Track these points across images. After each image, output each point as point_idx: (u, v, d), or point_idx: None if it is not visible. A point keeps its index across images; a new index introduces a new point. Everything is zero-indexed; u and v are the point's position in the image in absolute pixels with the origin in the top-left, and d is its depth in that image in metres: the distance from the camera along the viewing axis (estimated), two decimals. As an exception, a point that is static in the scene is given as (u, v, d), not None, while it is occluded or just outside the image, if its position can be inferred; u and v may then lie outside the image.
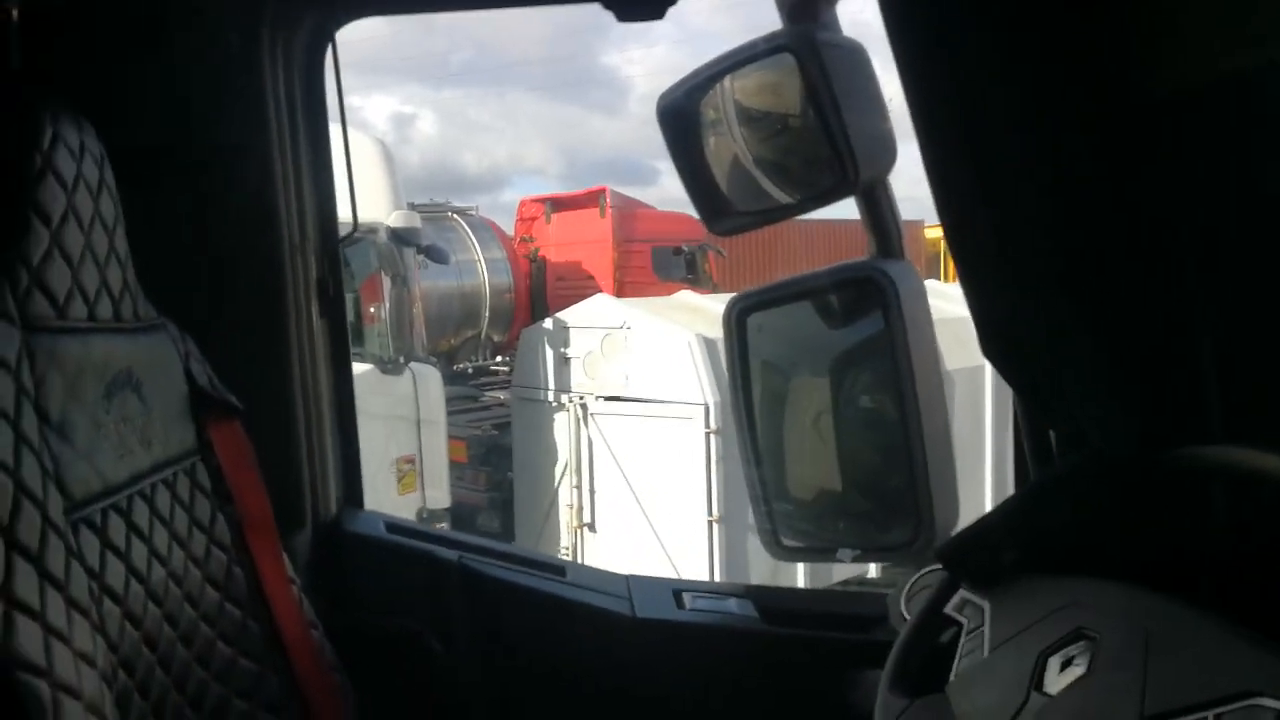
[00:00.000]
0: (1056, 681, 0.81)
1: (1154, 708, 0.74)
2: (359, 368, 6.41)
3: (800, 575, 6.09)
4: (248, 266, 1.43)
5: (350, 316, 6.48)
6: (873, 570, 6.35)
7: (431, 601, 1.48)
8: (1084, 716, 0.78)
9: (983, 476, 6.61)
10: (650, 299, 7.84)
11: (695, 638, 1.44)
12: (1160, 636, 0.78)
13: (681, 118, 1.31)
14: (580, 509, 6.89)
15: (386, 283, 6.36)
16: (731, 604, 1.49)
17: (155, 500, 1.10)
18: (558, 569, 1.55)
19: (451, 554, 1.50)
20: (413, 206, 8.29)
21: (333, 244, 1.54)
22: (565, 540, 7.01)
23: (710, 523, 6.08)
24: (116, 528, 1.01)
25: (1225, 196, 0.83)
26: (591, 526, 6.93)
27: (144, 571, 1.04)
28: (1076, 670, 0.81)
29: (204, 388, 1.23)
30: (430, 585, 1.48)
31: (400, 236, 6.42)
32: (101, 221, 1.04)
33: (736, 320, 1.41)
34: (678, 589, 1.51)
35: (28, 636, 0.80)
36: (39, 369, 0.92)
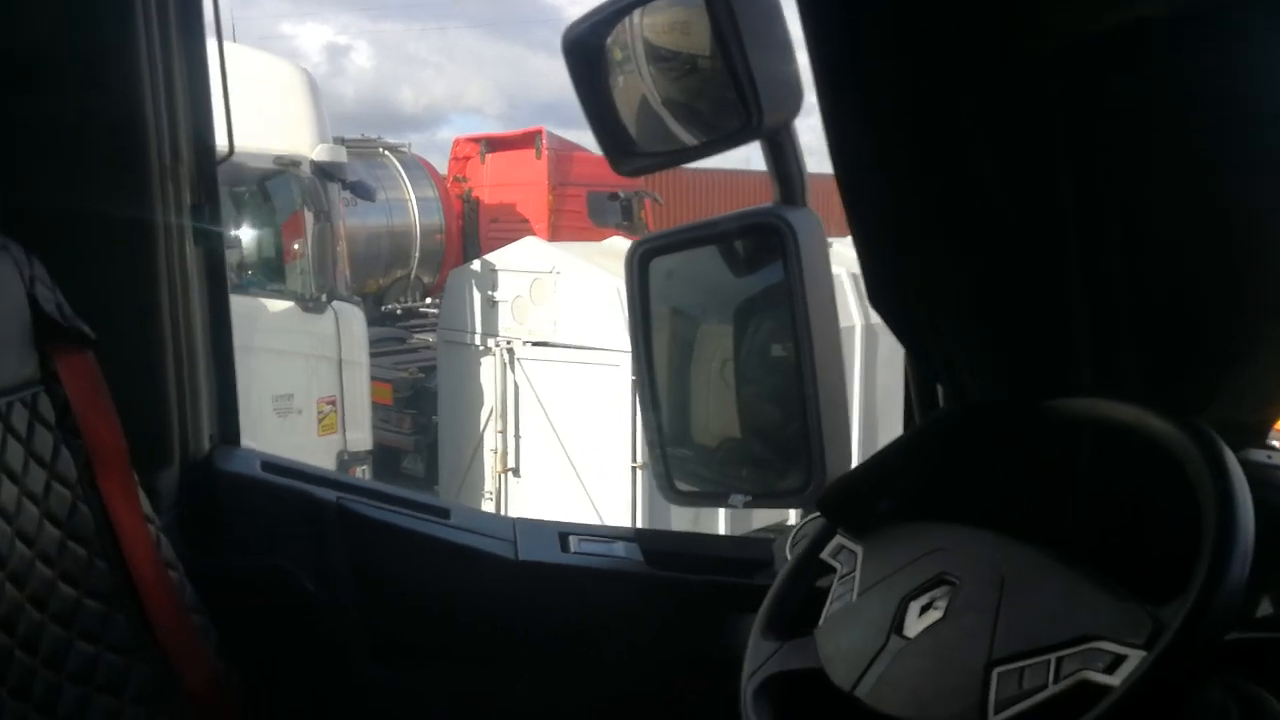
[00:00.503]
0: (915, 624, 0.84)
1: (1001, 650, 0.76)
2: (279, 305, 6.28)
3: (721, 523, 6.19)
4: (110, 187, 1.34)
5: (270, 253, 6.36)
6: (793, 518, 6.48)
7: (308, 542, 1.44)
8: (936, 658, 0.80)
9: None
10: (581, 244, 7.77)
11: (578, 580, 1.44)
12: (1015, 582, 0.80)
13: (588, 53, 1.27)
14: (505, 454, 6.88)
15: (309, 218, 6.18)
16: (618, 548, 1.49)
17: None
18: (441, 511, 1.53)
19: (330, 494, 1.46)
20: (342, 142, 8.05)
21: (209, 167, 1.46)
22: (489, 485, 7.00)
23: (634, 469, 6.13)
24: None
25: (1105, 151, 0.84)
26: (516, 472, 6.93)
27: None
28: (934, 614, 0.83)
29: (51, 315, 1.15)
30: (307, 526, 1.45)
31: (324, 171, 6.23)
32: None
33: (639, 263, 1.40)
34: (565, 532, 1.51)
35: None
36: None
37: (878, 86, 0.90)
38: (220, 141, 1.45)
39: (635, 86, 1.32)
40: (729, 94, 1.20)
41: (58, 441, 1.15)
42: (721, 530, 6.15)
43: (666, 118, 1.31)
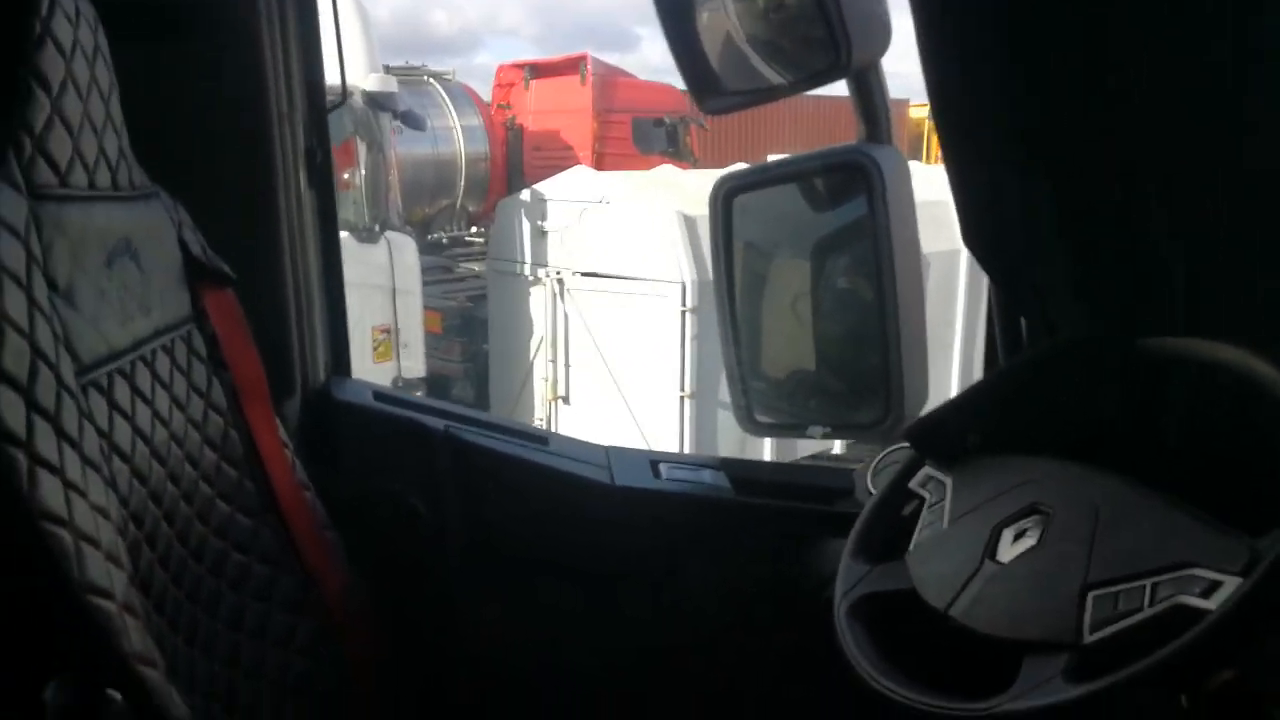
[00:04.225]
0: (1009, 551, 0.87)
1: (1097, 575, 0.80)
2: (334, 235, 6.34)
3: (767, 450, 6.25)
4: (236, 136, 1.41)
5: (324, 183, 6.40)
6: (838, 448, 6.52)
7: (418, 467, 1.53)
8: (1031, 582, 0.84)
9: (951, 358, 6.75)
10: (630, 173, 7.72)
11: (671, 506, 1.51)
12: (1109, 512, 0.84)
13: (675, -11, 1.28)
14: (555, 382, 6.97)
15: (362, 149, 6.21)
16: (706, 475, 1.55)
17: (156, 365, 1.12)
18: (541, 439, 1.60)
19: (438, 422, 1.54)
20: (388, 70, 8.00)
21: (320, 113, 1.53)
22: (540, 412, 7.12)
23: (682, 398, 6.19)
24: (122, 391, 1.03)
25: (1201, 87, 0.84)
26: (566, 399, 7.03)
27: (149, 432, 1.08)
28: (1028, 541, 0.87)
29: (198, 256, 1.24)
30: (417, 452, 1.53)
31: (376, 101, 6.23)
32: (98, 88, 1.02)
33: (723, 201, 1.42)
34: (655, 460, 1.58)
35: (49, 490, 0.83)
36: (46, 236, 0.92)
37: (973, 12, 0.90)
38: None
39: (721, 23, 1.32)
40: (815, 32, 1.20)
41: (209, 373, 1.24)
42: (767, 458, 6.21)
43: (751, 55, 1.32)
